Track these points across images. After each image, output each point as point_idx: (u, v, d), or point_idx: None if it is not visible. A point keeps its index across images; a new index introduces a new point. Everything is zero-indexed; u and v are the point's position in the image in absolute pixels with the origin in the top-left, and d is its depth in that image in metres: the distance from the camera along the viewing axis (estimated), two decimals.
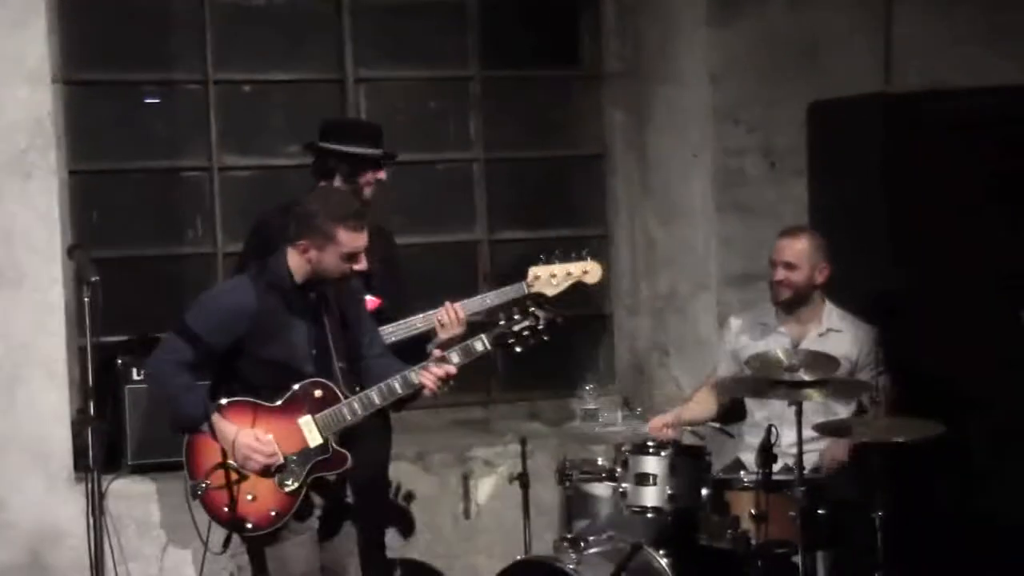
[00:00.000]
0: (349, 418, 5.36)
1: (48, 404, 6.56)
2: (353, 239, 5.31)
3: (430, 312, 6.10)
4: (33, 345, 6.55)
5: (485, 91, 7.81)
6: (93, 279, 5.31)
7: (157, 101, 7.38)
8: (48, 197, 6.58)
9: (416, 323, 6.12)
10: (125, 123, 7.29)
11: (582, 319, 7.94)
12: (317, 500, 5.42)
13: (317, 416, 5.34)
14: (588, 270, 6.36)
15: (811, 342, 6.47)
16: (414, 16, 7.71)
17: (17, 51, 6.51)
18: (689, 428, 6.75)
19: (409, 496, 7.05)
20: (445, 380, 5.41)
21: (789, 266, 6.44)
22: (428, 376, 5.39)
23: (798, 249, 6.43)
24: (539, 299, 6.06)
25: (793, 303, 6.49)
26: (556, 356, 7.82)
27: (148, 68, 7.32)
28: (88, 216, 7.22)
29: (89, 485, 5.35)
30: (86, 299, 5.32)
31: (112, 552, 6.38)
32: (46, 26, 6.58)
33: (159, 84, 7.36)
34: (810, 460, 6.02)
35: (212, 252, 7.38)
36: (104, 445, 5.41)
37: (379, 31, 7.67)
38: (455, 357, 5.45)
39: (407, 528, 7.05)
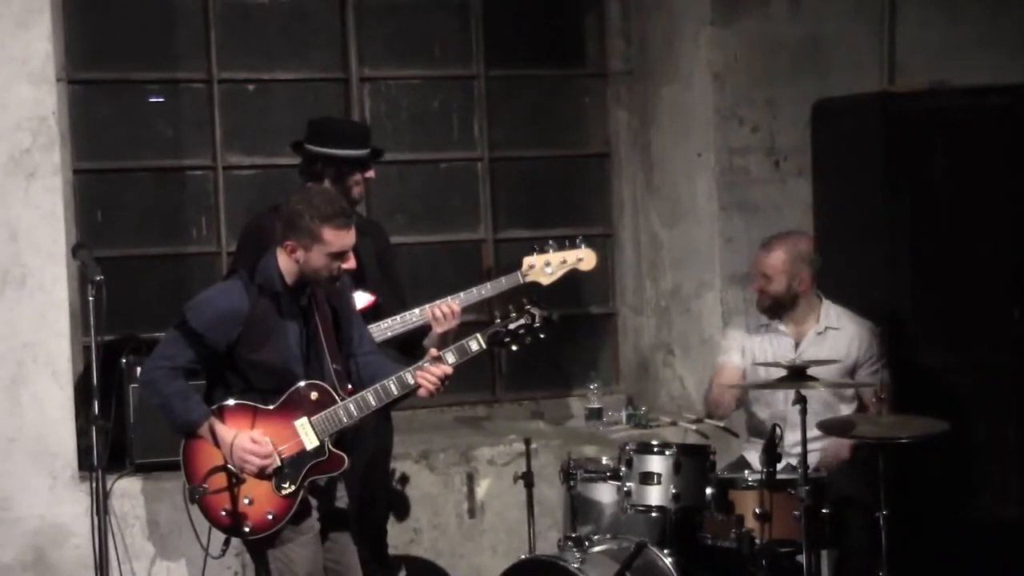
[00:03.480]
0: (345, 420, 5.35)
1: (53, 403, 6.56)
2: (340, 238, 5.28)
3: (426, 306, 6.10)
4: (37, 344, 6.54)
5: (489, 90, 7.80)
6: (97, 278, 5.32)
7: (161, 100, 7.37)
8: (52, 196, 6.57)
9: (412, 317, 6.11)
10: (129, 122, 7.29)
11: (587, 318, 7.95)
12: (315, 501, 5.41)
13: (313, 418, 5.33)
14: (583, 257, 6.36)
15: (810, 341, 6.50)
16: (418, 15, 7.71)
17: (21, 50, 6.51)
18: (694, 428, 6.76)
19: (404, 479, 7.03)
20: (441, 380, 5.41)
21: (765, 277, 6.48)
22: (424, 377, 5.38)
23: (772, 262, 6.46)
24: (534, 289, 6.08)
25: (775, 309, 6.52)
26: (560, 355, 7.84)
27: (152, 67, 7.32)
28: (92, 215, 7.22)
29: (93, 484, 5.36)
30: (90, 298, 5.33)
31: (116, 551, 6.42)
32: (50, 25, 6.57)
33: (163, 83, 7.36)
34: (812, 460, 6.03)
35: (216, 251, 7.38)
36: (108, 444, 5.42)
37: (383, 30, 7.67)
38: (450, 357, 5.43)
39: (402, 512, 7.03)
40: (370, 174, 6.20)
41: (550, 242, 6.33)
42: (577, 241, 6.37)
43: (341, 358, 5.47)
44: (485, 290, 6.23)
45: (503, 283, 6.24)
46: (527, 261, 6.28)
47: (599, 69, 8.00)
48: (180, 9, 7.35)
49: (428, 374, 5.37)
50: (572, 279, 6.49)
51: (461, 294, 6.15)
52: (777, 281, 6.45)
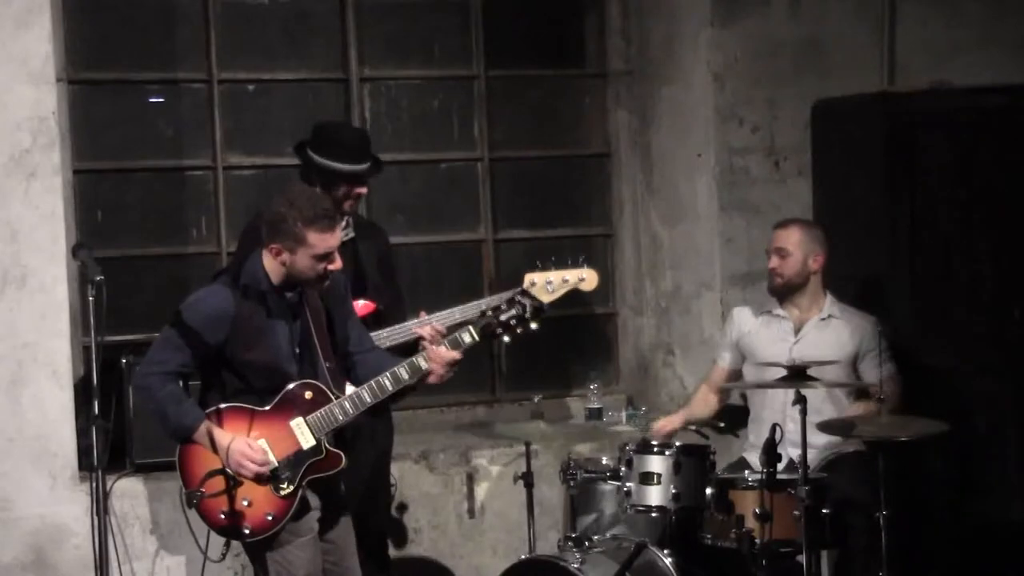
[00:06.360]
0: (341, 418, 5.35)
1: (53, 403, 6.56)
2: (324, 240, 5.27)
3: (425, 319, 6.09)
4: (38, 344, 6.55)
5: (489, 90, 7.80)
6: (97, 278, 5.29)
7: (161, 100, 7.38)
8: (52, 196, 6.58)
9: (411, 327, 6.11)
10: (129, 122, 7.29)
11: (587, 318, 7.95)
12: (314, 502, 5.42)
13: (308, 418, 5.33)
14: (585, 277, 6.36)
15: (813, 327, 6.53)
16: (418, 15, 7.71)
17: (22, 50, 6.51)
18: (693, 427, 6.76)
19: (402, 507, 7.03)
20: (452, 365, 5.42)
21: (781, 252, 6.53)
22: (436, 358, 5.39)
23: (790, 237, 6.53)
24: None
25: (787, 291, 6.55)
26: (560, 355, 7.83)
27: (152, 67, 7.32)
28: (92, 215, 7.22)
29: (93, 484, 5.34)
30: (90, 298, 5.30)
31: (116, 551, 6.42)
32: (50, 25, 6.57)
33: (163, 83, 7.36)
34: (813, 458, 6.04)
35: (216, 251, 7.38)
36: (108, 444, 5.39)
37: (383, 30, 7.66)
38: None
39: (400, 537, 7.03)
40: (361, 190, 6.18)
41: (552, 259, 6.34)
42: (580, 260, 6.36)
43: (335, 356, 5.47)
44: (483, 305, 6.23)
45: (503, 299, 6.24)
46: (528, 278, 6.28)
47: (599, 69, 7.99)
48: (180, 9, 7.35)
49: (440, 356, 5.39)
50: None
51: (459, 309, 6.14)
52: (793, 257, 6.50)
